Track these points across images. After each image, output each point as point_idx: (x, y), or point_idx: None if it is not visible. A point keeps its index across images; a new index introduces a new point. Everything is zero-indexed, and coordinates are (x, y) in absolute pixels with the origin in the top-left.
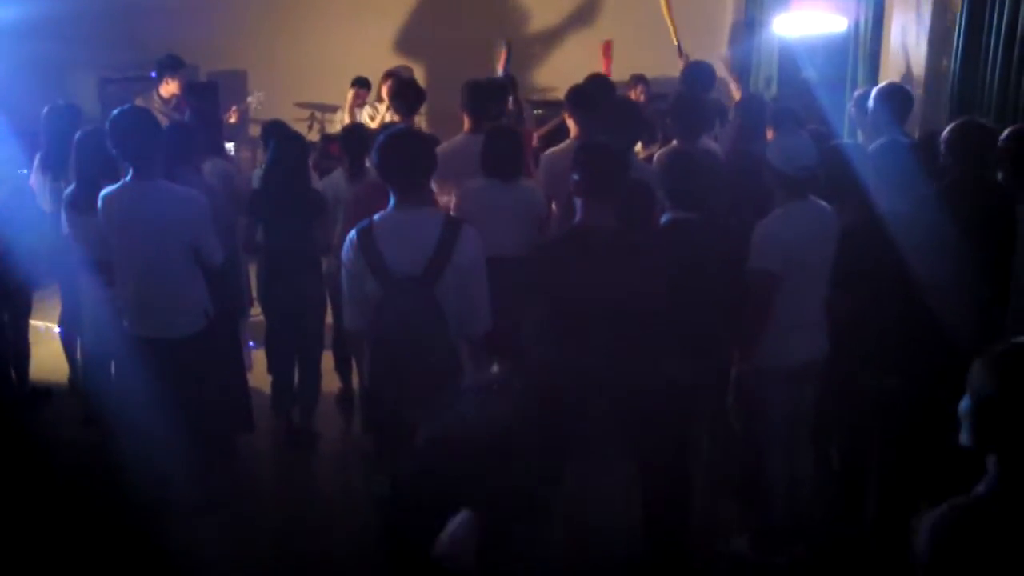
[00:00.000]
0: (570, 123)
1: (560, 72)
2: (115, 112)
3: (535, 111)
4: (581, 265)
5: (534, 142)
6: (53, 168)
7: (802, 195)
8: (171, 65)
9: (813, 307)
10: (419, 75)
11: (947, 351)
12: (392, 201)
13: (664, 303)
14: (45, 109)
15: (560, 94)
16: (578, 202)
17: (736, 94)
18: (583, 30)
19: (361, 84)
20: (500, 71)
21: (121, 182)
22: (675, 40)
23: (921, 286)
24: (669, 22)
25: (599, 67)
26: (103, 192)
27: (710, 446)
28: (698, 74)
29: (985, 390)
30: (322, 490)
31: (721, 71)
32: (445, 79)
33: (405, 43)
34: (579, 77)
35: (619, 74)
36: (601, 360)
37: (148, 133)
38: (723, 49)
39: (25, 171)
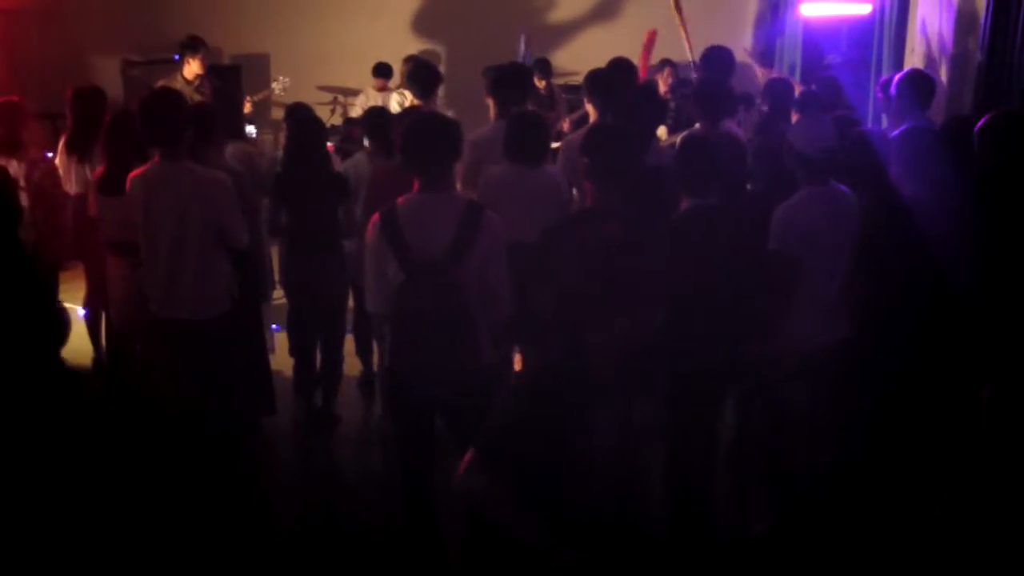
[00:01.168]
0: (589, 108)
1: (585, 56)
2: (145, 94)
3: (565, 96)
4: (590, 248)
5: (566, 127)
6: (79, 150)
7: (823, 179)
8: (192, 46)
9: (832, 292)
10: (442, 59)
11: (968, 337)
12: (416, 184)
13: (666, 287)
14: (70, 92)
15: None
16: (588, 186)
17: (762, 79)
18: (616, 14)
19: (380, 72)
20: (521, 58)
21: (149, 163)
22: (690, 55)
23: (943, 273)
24: (683, 34)
25: (633, 53)
26: (131, 174)
27: (731, 431)
28: (717, 58)
29: None
30: (342, 472)
31: (744, 58)
32: (468, 63)
33: (428, 27)
34: (604, 61)
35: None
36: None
37: (176, 115)
38: (747, 37)
39: (50, 153)
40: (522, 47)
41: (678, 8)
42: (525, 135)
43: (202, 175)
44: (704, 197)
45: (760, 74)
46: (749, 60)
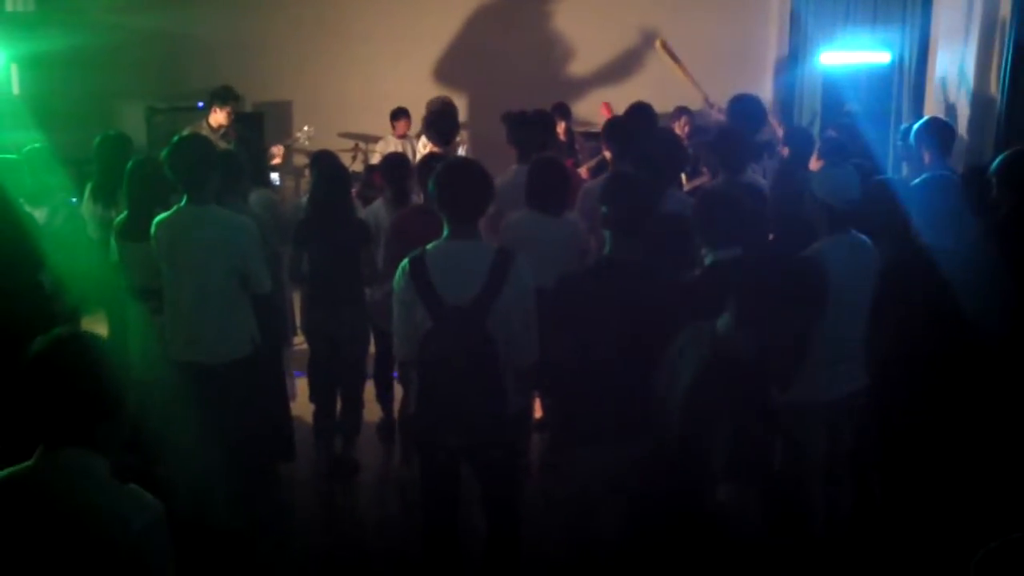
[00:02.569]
0: (607, 155)
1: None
2: (175, 138)
3: (588, 143)
4: (604, 298)
5: (584, 174)
6: (104, 197)
7: (844, 228)
8: (222, 96)
9: (852, 341)
10: (461, 105)
11: (990, 388)
12: (445, 231)
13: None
14: (97, 138)
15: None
16: (606, 234)
17: (779, 131)
18: (630, 60)
19: (399, 115)
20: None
21: (175, 207)
22: (701, 92)
23: (965, 323)
24: (683, 75)
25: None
26: (157, 218)
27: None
28: (747, 111)
29: None
30: (362, 519)
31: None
32: (487, 108)
33: (448, 75)
34: (624, 107)
35: (664, 106)
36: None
37: (205, 160)
38: (767, 85)
39: (74, 200)
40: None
41: (669, 52)
42: (545, 182)
43: (228, 219)
44: (727, 250)
45: (776, 126)
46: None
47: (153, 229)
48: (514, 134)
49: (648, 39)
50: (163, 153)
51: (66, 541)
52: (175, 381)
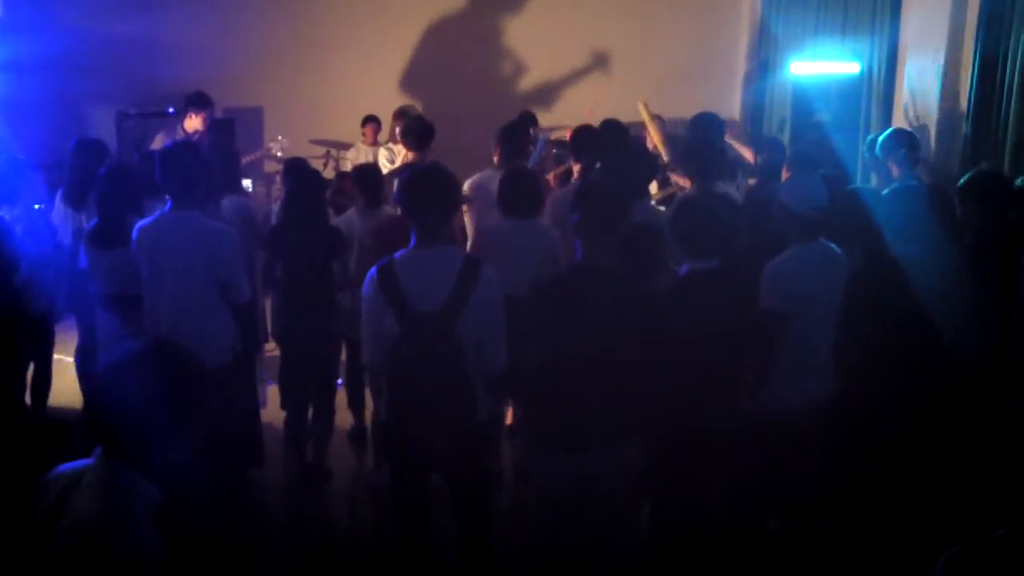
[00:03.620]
0: (575, 165)
1: (575, 112)
2: (166, 144)
3: (553, 151)
4: (576, 304)
5: (551, 182)
6: (75, 202)
7: (813, 236)
8: (197, 102)
9: (820, 349)
10: (430, 112)
11: (957, 392)
12: (413, 238)
13: (659, 348)
14: (72, 143)
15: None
16: (577, 242)
17: (743, 151)
18: (602, 69)
19: (369, 121)
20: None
21: (158, 212)
22: (664, 156)
23: (933, 329)
24: (655, 136)
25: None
26: (139, 223)
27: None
28: (707, 122)
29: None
30: (333, 526)
31: (729, 138)
32: (456, 115)
33: (419, 81)
34: (595, 116)
35: (637, 114)
36: (593, 401)
37: (194, 168)
38: (734, 104)
39: (40, 205)
40: (539, 149)
41: (650, 114)
42: (519, 189)
43: (211, 227)
44: (703, 261)
45: (746, 152)
46: (733, 140)
47: (135, 234)
48: (510, 141)
49: (618, 45)
50: (145, 157)
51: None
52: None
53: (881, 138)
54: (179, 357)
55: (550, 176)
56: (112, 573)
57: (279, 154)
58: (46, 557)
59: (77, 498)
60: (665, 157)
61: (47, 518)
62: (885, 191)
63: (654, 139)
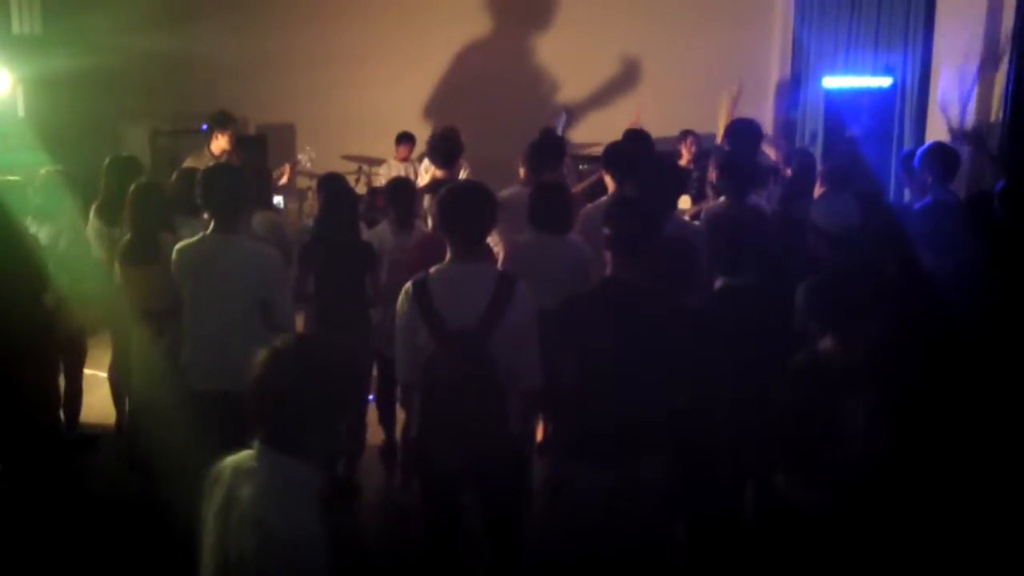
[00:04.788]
0: (608, 180)
1: (606, 127)
2: (209, 166)
3: (580, 166)
4: (607, 318)
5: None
6: (108, 216)
7: (845, 255)
8: (220, 121)
9: None
10: (461, 127)
11: (993, 413)
12: (449, 254)
13: (687, 362)
14: (107, 159)
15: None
16: (608, 256)
17: (773, 156)
18: (633, 84)
19: (403, 140)
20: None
21: (200, 235)
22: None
23: (970, 347)
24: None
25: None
26: (178, 244)
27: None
28: (745, 132)
29: None
30: (363, 542)
31: (766, 146)
32: (489, 131)
33: (451, 97)
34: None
35: (669, 129)
36: (623, 414)
37: (236, 191)
38: (768, 111)
39: (73, 219)
40: (561, 123)
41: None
42: (551, 204)
43: (255, 250)
44: (737, 276)
45: (773, 156)
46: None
47: (175, 255)
48: (535, 155)
49: (646, 61)
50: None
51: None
52: (188, 405)
53: (920, 151)
54: (329, 350)
55: (577, 189)
56: (278, 555)
57: (308, 165)
58: (218, 544)
59: (243, 486)
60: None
61: (221, 507)
62: (917, 205)
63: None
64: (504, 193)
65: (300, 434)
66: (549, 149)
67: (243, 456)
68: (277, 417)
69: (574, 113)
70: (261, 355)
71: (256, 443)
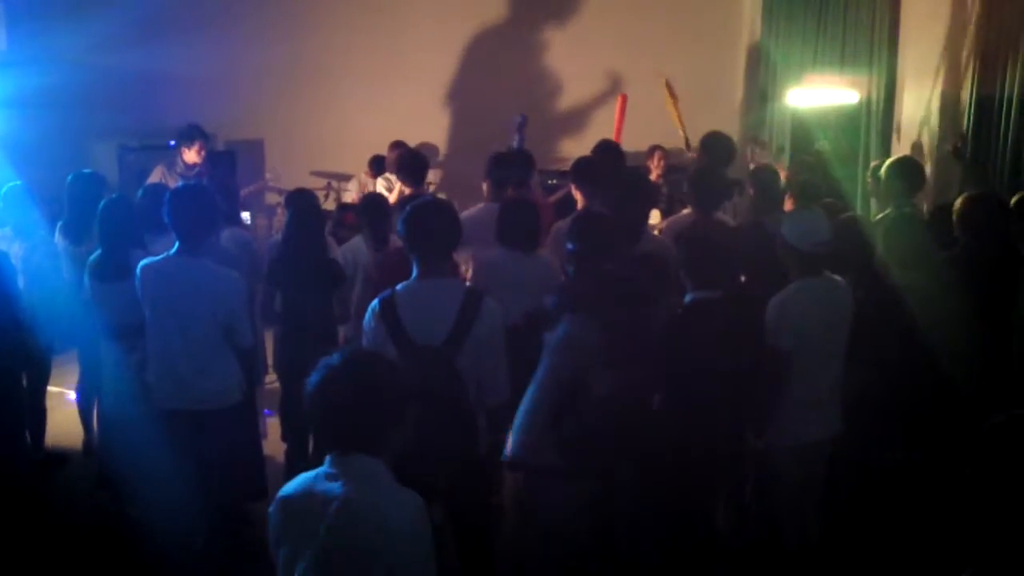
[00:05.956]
0: (577, 195)
1: (576, 142)
2: (177, 186)
3: (549, 181)
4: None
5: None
6: (74, 234)
7: (817, 272)
8: (190, 135)
9: (827, 385)
10: (437, 145)
11: (961, 423)
12: (415, 271)
13: (658, 372)
14: (70, 176)
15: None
16: (571, 271)
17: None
18: (602, 100)
19: (375, 165)
20: (515, 143)
21: (164, 255)
22: (683, 135)
23: (935, 359)
24: (676, 118)
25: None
26: (143, 262)
27: (725, 519)
28: (719, 146)
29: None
30: None
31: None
32: (460, 148)
33: (422, 114)
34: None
35: (638, 143)
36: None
37: (205, 213)
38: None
39: (43, 234)
40: (516, 127)
41: (671, 92)
42: (518, 221)
43: (216, 273)
44: (708, 290)
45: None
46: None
47: (139, 272)
48: (494, 171)
49: (620, 78)
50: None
51: (366, 541)
52: (154, 424)
53: (887, 164)
54: (384, 362)
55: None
56: (371, 542)
57: (272, 184)
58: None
59: (338, 502)
60: (684, 135)
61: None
62: (879, 216)
63: (674, 118)
64: (468, 212)
65: (375, 435)
66: (510, 164)
67: (313, 481)
68: (351, 426)
69: (527, 119)
70: (319, 375)
71: (331, 458)
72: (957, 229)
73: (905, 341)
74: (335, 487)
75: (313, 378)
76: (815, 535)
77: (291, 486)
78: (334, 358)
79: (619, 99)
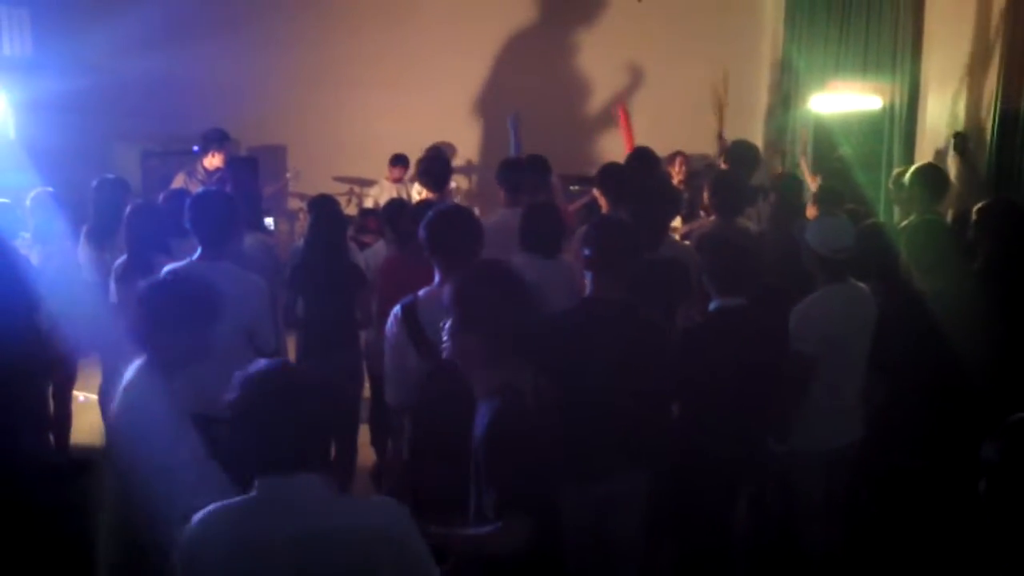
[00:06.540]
0: (601, 200)
1: (598, 148)
2: (198, 191)
3: (571, 187)
4: (585, 338)
5: (571, 215)
6: (99, 239)
7: (841, 278)
8: (216, 139)
9: (850, 391)
10: (459, 150)
11: (982, 431)
12: (437, 277)
13: (668, 382)
14: (95, 182)
15: (596, 170)
16: (588, 276)
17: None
18: (631, 106)
19: (397, 162)
20: (512, 148)
21: (187, 260)
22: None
23: (958, 366)
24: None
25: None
26: (166, 268)
27: (746, 526)
28: (743, 155)
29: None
30: None
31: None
32: (481, 154)
33: (444, 119)
34: (616, 152)
35: (659, 150)
36: (603, 432)
37: (226, 218)
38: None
39: (64, 241)
40: (511, 126)
41: (623, 112)
42: (541, 225)
43: (239, 276)
44: (733, 297)
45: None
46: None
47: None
48: (505, 177)
49: (641, 83)
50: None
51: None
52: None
53: (911, 171)
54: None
55: (570, 208)
56: (361, 565)
57: (294, 179)
58: None
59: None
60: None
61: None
62: (904, 223)
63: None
64: (489, 219)
65: (315, 448)
66: (520, 168)
67: (243, 514)
68: (288, 441)
69: (518, 118)
70: (244, 390)
71: (264, 483)
72: (979, 236)
73: (929, 347)
74: (286, 519)
75: (232, 395)
76: (837, 542)
77: (206, 521)
78: (250, 372)
79: (620, 111)
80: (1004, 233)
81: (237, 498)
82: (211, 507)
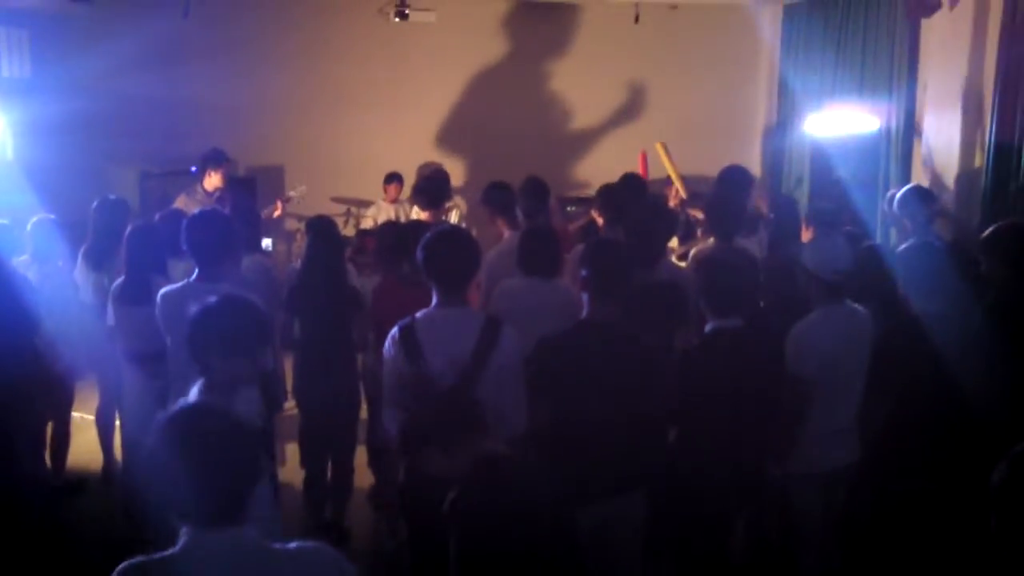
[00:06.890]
0: (599, 221)
1: (595, 169)
2: (195, 213)
3: (568, 208)
4: (580, 360)
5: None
6: (97, 261)
7: (838, 299)
8: (215, 158)
9: (847, 413)
10: (455, 171)
11: (982, 454)
12: (434, 299)
13: (664, 403)
14: (95, 203)
15: (593, 191)
16: (584, 297)
17: (762, 205)
18: (621, 127)
19: (392, 179)
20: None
21: (184, 282)
22: (681, 192)
23: (956, 389)
24: (673, 174)
25: (635, 166)
26: (163, 289)
27: (744, 549)
28: (734, 178)
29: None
30: None
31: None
32: (481, 175)
33: (441, 139)
34: (614, 174)
35: (657, 172)
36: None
37: (224, 239)
38: (755, 152)
39: (60, 263)
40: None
41: (667, 153)
42: (538, 248)
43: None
44: (729, 319)
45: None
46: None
47: (159, 299)
48: (495, 203)
49: (638, 104)
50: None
51: None
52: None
53: (898, 195)
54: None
55: (570, 229)
56: None
57: (299, 201)
58: None
59: None
60: (683, 194)
61: None
62: (901, 247)
63: (673, 179)
64: (493, 252)
65: (242, 501)
66: (509, 191)
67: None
68: (216, 494)
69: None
70: (169, 435)
71: (194, 537)
72: (991, 264)
73: (927, 370)
74: None
75: (156, 440)
76: (835, 564)
77: None
78: (172, 413)
79: (640, 157)
80: (1014, 256)
81: (163, 553)
82: (133, 561)
